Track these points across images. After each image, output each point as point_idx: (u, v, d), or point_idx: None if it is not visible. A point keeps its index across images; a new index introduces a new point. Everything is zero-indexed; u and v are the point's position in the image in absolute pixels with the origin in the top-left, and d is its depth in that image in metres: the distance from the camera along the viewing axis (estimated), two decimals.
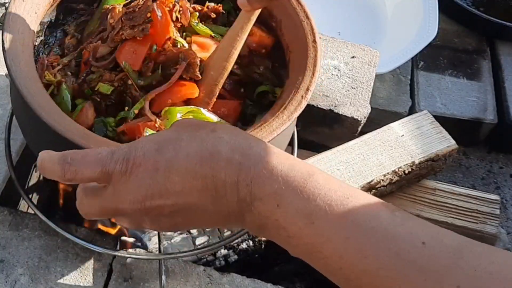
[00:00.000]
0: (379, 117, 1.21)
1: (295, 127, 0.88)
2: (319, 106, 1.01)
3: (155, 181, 0.49)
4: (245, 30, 0.71)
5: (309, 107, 1.00)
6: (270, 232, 0.51)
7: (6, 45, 0.64)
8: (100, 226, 0.97)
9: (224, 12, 0.82)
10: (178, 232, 0.90)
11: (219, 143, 0.51)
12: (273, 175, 0.50)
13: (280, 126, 0.65)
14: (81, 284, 0.79)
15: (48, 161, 0.52)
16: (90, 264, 0.80)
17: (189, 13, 0.75)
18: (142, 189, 0.50)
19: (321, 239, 0.48)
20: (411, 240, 0.46)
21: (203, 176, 0.50)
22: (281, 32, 0.77)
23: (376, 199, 0.50)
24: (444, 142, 0.97)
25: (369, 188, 0.92)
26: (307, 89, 0.69)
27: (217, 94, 0.72)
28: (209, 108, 0.71)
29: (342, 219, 0.48)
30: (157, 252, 0.85)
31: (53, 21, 0.79)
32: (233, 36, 0.71)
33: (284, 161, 0.51)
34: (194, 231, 0.90)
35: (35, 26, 0.70)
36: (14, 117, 0.85)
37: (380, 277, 0.46)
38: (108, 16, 0.73)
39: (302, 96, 0.68)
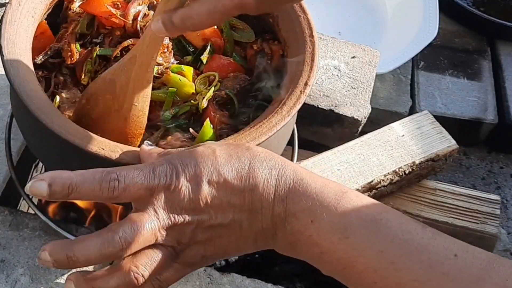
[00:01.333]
0: (380, 117, 1.22)
1: (295, 126, 0.88)
2: (320, 106, 1.00)
3: (197, 196, 0.50)
4: (156, 57, 0.63)
5: (309, 107, 1.00)
6: (302, 249, 0.52)
7: (4, 50, 0.64)
8: None
9: None
10: None
11: (256, 161, 0.52)
12: (307, 192, 0.51)
13: (280, 122, 0.65)
14: None
15: (83, 180, 0.50)
16: None
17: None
18: (184, 203, 0.50)
19: (355, 253, 0.49)
20: (443, 253, 0.47)
21: (241, 191, 0.51)
22: (278, 27, 0.77)
23: (407, 217, 0.51)
24: (445, 142, 0.97)
25: (370, 188, 0.92)
26: (306, 84, 0.69)
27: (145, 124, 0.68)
28: (137, 143, 0.67)
29: (375, 233, 0.49)
30: None
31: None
32: (147, 62, 0.62)
33: (317, 180, 0.52)
34: None
35: (32, 30, 0.70)
36: (14, 116, 0.85)
37: None
38: None
39: (301, 91, 0.68)
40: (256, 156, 0.53)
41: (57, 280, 0.78)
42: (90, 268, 0.70)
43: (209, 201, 0.51)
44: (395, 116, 1.23)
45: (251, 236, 0.52)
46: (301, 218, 0.50)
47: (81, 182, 0.50)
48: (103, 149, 0.60)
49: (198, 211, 0.51)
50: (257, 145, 0.63)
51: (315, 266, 0.52)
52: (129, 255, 0.50)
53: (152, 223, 0.50)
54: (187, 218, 0.50)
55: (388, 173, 0.93)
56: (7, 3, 0.68)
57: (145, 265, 0.50)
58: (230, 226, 0.51)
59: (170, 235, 0.51)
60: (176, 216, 0.50)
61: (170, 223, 0.50)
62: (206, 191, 0.50)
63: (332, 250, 0.49)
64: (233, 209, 0.51)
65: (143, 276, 0.50)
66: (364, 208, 0.50)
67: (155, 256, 0.51)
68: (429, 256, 0.47)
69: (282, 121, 0.65)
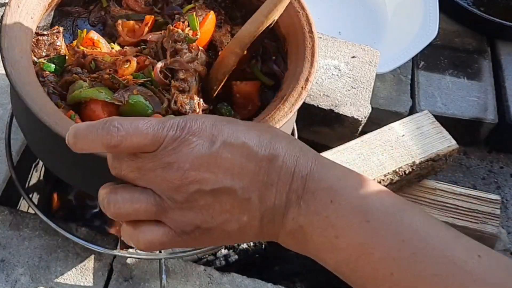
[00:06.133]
0: (380, 117, 1.21)
1: (295, 125, 0.88)
2: (320, 106, 1.00)
3: (208, 152, 0.46)
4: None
5: (309, 106, 1.00)
6: (313, 234, 0.47)
7: (4, 52, 0.64)
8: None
9: None
10: None
11: (277, 136, 0.49)
12: (329, 173, 0.48)
13: (283, 118, 0.65)
14: (82, 284, 0.79)
15: (86, 129, 0.47)
16: (90, 264, 0.80)
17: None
18: (191, 157, 0.46)
19: (375, 239, 0.46)
20: (467, 252, 0.46)
21: (259, 159, 0.47)
22: (277, 24, 0.77)
23: (430, 215, 0.49)
24: (445, 142, 0.97)
25: None
26: (307, 80, 0.69)
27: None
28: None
29: (399, 222, 0.46)
30: (158, 252, 0.85)
31: (48, 25, 0.79)
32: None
33: (337, 165, 0.50)
34: None
35: (32, 31, 0.70)
36: (14, 117, 0.85)
37: (434, 283, 0.44)
38: None
39: (302, 87, 0.68)
40: (277, 133, 0.50)
41: (57, 280, 0.78)
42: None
43: (219, 161, 0.46)
44: (395, 116, 1.23)
45: (258, 214, 0.48)
46: (320, 197, 0.47)
47: (83, 130, 0.47)
48: None
49: (203, 169, 0.46)
50: None
51: (321, 259, 0.48)
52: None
53: (146, 164, 0.46)
54: (190, 173, 0.46)
55: (388, 173, 0.93)
56: (7, 3, 0.68)
57: (124, 198, 0.47)
58: (236, 195, 0.47)
59: (165, 186, 0.46)
60: (177, 171, 0.46)
61: (167, 171, 0.46)
62: (219, 150, 0.46)
63: (350, 234, 0.46)
64: (245, 176, 0.47)
65: (117, 203, 0.47)
66: (388, 197, 0.48)
67: (138, 196, 0.47)
68: (452, 252, 0.45)
69: (285, 118, 0.65)
